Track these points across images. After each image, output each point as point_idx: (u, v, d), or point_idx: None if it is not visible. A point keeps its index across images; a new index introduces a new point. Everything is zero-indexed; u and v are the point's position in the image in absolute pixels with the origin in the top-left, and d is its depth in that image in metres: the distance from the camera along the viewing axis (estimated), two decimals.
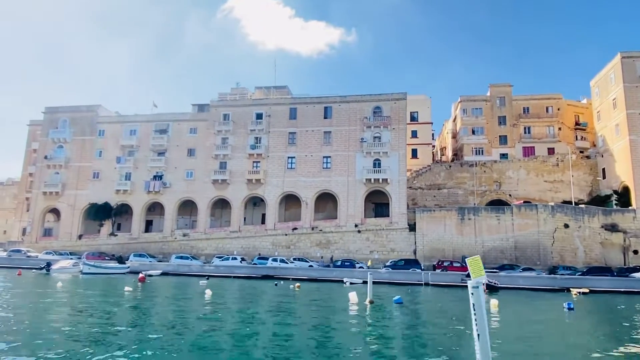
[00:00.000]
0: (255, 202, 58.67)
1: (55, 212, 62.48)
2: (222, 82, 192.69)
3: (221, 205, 58.77)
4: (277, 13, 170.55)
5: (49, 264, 38.64)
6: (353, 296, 21.10)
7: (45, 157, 60.21)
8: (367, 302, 20.72)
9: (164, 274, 40.67)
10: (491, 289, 31.91)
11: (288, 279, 39.99)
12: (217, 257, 51.65)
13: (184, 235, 56.31)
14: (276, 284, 31.57)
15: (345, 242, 52.82)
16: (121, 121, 60.48)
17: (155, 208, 59.99)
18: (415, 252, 51.16)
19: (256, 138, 56.97)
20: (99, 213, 57.35)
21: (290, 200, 57.15)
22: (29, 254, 51.76)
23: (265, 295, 26.41)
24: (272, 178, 55.75)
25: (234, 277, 40.76)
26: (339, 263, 47.92)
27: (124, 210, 59.01)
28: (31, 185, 65.74)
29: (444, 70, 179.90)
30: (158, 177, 58.08)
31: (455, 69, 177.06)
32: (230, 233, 55.58)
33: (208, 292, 23.66)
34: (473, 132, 67.68)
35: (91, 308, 18.16)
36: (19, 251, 52.16)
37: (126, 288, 24.26)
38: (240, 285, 32.95)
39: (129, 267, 41.73)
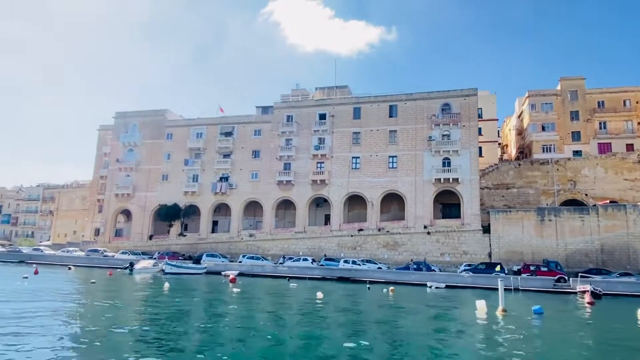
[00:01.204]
0: (318, 202, 58.31)
1: (125, 213, 64.98)
2: (263, 85, 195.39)
3: (284, 206, 58.89)
4: (317, 14, 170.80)
5: (131, 264, 39.87)
6: (481, 305, 19.60)
7: (117, 161, 62.74)
8: (499, 312, 19.03)
9: (240, 274, 40.88)
10: (595, 297, 29.54)
11: (365, 281, 39.09)
12: (283, 257, 51.73)
13: (250, 235, 56.82)
14: (369, 288, 30.76)
15: (414, 243, 51.30)
16: (188, 124, 62.00)
17: (220, 209, 61.00)
18: (490, 255, 48.87)
19: (320, 139, 56.60)
20: (168, 214, 58.97)
21: (354, 201, 56.31)
22: (105, 253, 53.96)
23: (368, 299, 25.26)
24: (336, 178, 55.15)
25: (309, 278, 40.34)
26: (414, 266, 46.57)
27: (192, 211, 60.39)
28: (102, 187, 68.84)
29: (491, 66, 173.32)
30: (224, 178, 59.00)
31: (503, 65, 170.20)
32: (295, 234, 55.49)
33: (319, 294, 23.00)
34: (543, 129, 64.07)
35: (250, 314, 17.60)
36: (96, 251, 54.49)
37: (235, 289, 23.78)
38: (332, 288, 32.37)
39: (205, 268, 42.34)
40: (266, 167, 57.87)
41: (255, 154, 58.84)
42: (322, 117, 57.12)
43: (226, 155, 59.76)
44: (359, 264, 44.25)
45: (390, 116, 54.75)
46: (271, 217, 56.99)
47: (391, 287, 29.47)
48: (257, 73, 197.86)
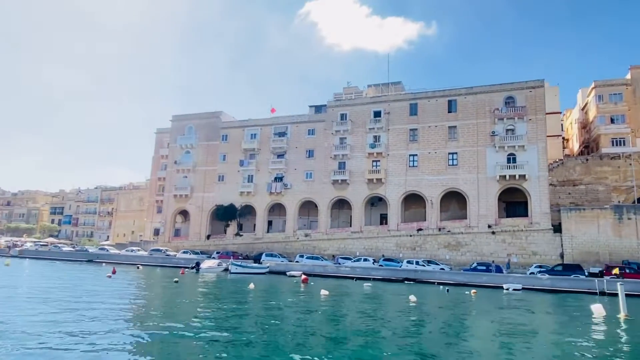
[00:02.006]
0: (373, 202, 57.27)
1: (182, 213, 66.62)
2: (304, 87, 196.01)
3: (338, 205, 58.28)
4: (354, 13, 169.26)
5: (198, 264, 40.54)
6: (598, 309, 18.07)
7: (175, 162, 64.42)
8: (621, 316, 17.39)
9: (306, 274, 40.53)
10: None
11: (432, 282, 37.76)
12: (334, 257, 51.12)
13: (306, 235, 56.62)
14: (447, 290, 29.50)
15: (478, 244, 49.21)
16: (242, 125, 62.70)
17: (274, 209, 61.23)
18: (562, 256, 46.04)
19: (375, 137, 55.52)
20: (225, 214, 59.86)
21: (410, 200, 54.81)
22: (167, 253, 55.42)
23: (463, 302, 23.90)
24: (393, 177, 53.90)
25: (373, 279, 39.43)
26: (473, 266, 44.68)
27: (247, 211, 61.00)
28: (159, 189, 70.98)
29: (543, 58, 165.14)
30: (279, 178, 59.18)
31: (557, 57, 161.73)
32: (351, 233, 54.74)
33: (412, 298, 22.08)
34: (612, 121, 59.86)
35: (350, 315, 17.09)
36: (159, 250, 56.09)
37: (322, 292, 22.97)
38: (406, 290, 31.36)
39: (268, 267, 42.39)
40: (320, 166, 57.48)
41: (309, 153, 58.59)
42: (377, 114, 56.01)
43: (280, 156, 59.91)
44: (423, 265, 42.84)
45: (449, 111, 52.84)
46: (326, 216, 56.54)
47: (473, 290, 28.04)
48: (297, 74, 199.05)
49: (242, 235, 59.94)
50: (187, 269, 39.68)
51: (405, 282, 38.68)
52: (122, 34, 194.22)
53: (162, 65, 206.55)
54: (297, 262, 49.73)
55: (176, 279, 26.13)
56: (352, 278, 39.74)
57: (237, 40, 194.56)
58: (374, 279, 39.59)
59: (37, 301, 16.79)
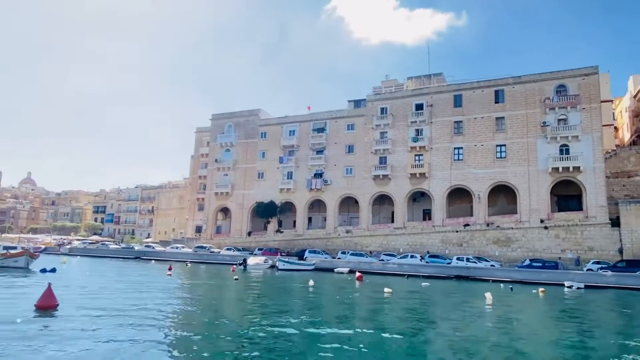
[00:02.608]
0: (415, 197, 56.02)
1: (223, 210, 67.36)
2: (333, 82, 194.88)
3: (379, 201, 57.35)
4: (381, 6, 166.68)
5: (245, 260, 40.70)
6: None
7: (216, 160, 65.15)
8: None
9: (351, 271, 40.04)
10: None
11: (486, 280, 36.40)
12: (384, 254, 50.26)
13: (347, 232, 56.05)
14: (512, 289, 28.28)
15: (529, 239, 47.24)
16: (280, 122, 62.67)
17: (313, 205, 60.94)
18: (621, 252, 43.54)
19: (417, 130, 54.21)
20: (266, 211, 60.08)
21: (454, 195, 53.20)
22: (212, 249, 56.12)
23: (540, 302, 22.65)
24: (437, 171, 52.49)
25: (423, 276, 38.40)
26: (526, 262, 42.93)
27: (287, 208, 60.99)
28: (200, 186, 72.07)
29: (584, 46, 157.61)
30: (318, 174, 58.81)
31: (599, 44, 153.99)
32: (394, 230, 53.75)
33: (488, 296, 21.08)
34: None
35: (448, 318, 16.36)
36: (203, 247, 56.90)
37: (386, 290, 21.99)
38: (462, 287, 30.35)
39: (314, 264, 42.09)
40: (361, 161, 56.69)
41: (349, 148, 57.89)
42: (419, 107, 54.64)
43: (319, 152, 59.51)
44: (475, 262, 41.45)
45: (496, 102, 50.89)
46: (368, 212, 55.76)
47: (541, 289, 26.71)
48: (326, 70, 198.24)
49: (282, 232, 59.99)
50: (237, 266, 39.86)
51: (457, 279, 37.49)
52: (151, 37, 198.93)
53: (191, 66, 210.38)
54: (339, 258, 49.29)
55: (236, 277, 26.09)
56: (399, 275, 38.88)
57: (264, 39, 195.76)
58: (424, 276, 38.58)
59: (128, 301, 16.69)
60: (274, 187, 60.76)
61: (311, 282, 23.46)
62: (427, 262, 44.62)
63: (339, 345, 10.45)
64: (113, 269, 35.98)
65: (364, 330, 12.68)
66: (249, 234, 61.91)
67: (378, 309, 18.06)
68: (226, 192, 64.03)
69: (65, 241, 75.17)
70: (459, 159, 51.74)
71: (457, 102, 52.74)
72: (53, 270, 26.01)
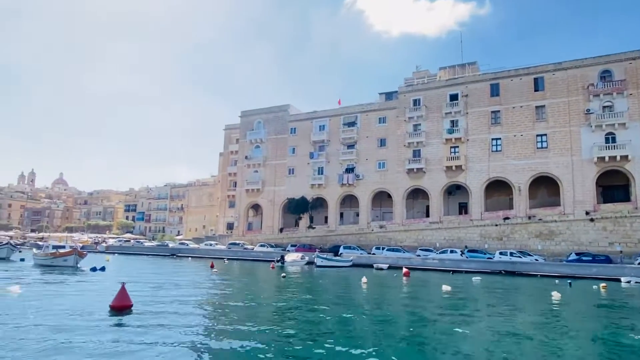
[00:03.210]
0: (450, 190, 54.62)
1: (254, 207, 67.44)
2: (354, 76, 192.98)
3: (412, 195, 56.16)
4: None
5: (282, 257, 40.42)
6: None
7: (246, 157, 65.20)
8: None
9: (392, 267, 39.26)
10: None
11: (534, 275, 35.02)
12: (420, 249, 49.14)
13: (381, 227, 55.16)
14: (570, 284, 26.97)
15: (574, 232, 45.29)
16: (310, 118, 62.11)
17: (344, 201, 60.25)
18: None
19: (452, 121, 52.71)
20: (297, 207, 59.74)
21: (492, 188, 51.52)
22: (245, 246, 56.19)
23: (600, 299, 21.20)
24: (474, 163, 50.95)
25: (466, 271, 37.26)
26: (571, 256, 41.11)
27: (318, 203, 60.51)
28: (230, 184, 72.34)
29: (617, 27, 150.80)
30: (350, 169, 58.05)
31: (620, 26, 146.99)
32: (430, 224, 52.55)
33: (556, 295, 19.85)
34: None
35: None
36: (236, 244, 57.00)
37: (445, 288, 21.08)
38: (511, 283, 29.17)
39: (351, 260, 41.46)
40: (393, 155, 55.62)
41: (381, 142, 56.85)
42: (454, 97, 53.10)
43: (350, 146, 58.69)
44: (519, 256, 39.98)
45: (536, 90, 48.91)
46: (402, 207, 54.70)
47: (602, 284, 25.32)
48: (347, 64, 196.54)
49: (314, 228, 59.56)
50: (275, 263, 39.62)
51: (502, 274, 36.20)
52: (172, 37, 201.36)
53: (213, 65, 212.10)
54: (373, 254, 48.53)
55: (284, 274, 25.70)
56: (440, 271, 37.82)
57: (284, 36, 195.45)
58: (466, 272, 37.44)
59: (193, 298, 16.33)
60: (305, 183, 60.34)
61: (364, 280, 22.72)
62: (466, 257, 43.37)
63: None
64: (155, 266, 36.15)
65: (486, 330, 11.81)
66: (281, 230, 61.76)
67: (458, 304, 17.02)
68: (257, 189, 64.05)
69: (100, 239, 76.83)
70: (497, 150, 50.06)
71: (494, 91, 50.97)
72: (103, 269, 26.19)
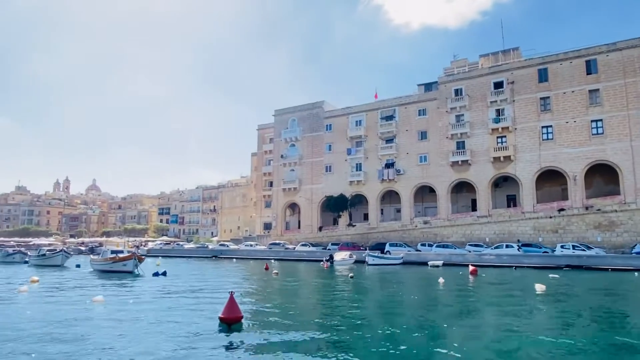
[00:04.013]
0: (497, 182, 52.37)
1: (290, 206, 66.70)
2: (377, 71, 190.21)
3: (456, 189, 54.16)
4: None
5: (331, 257, 39.45)
6: None
7: (282, 156, 64.49)
8: None
9: (447, 264, 37.69)
10: None
11: (606, 269, 32.80)
12: (469, 245, 47.28)
13: (425, 222, 53.42)
14: None
15: (636, 222, 42.50)
16: (346, 113, 60.82)
17: (384, 197, 58.74)
18: None
19: (498, 110, 50.46)
20: (337, 205, 58.62)
21: (542, 178, 49.00)
22: (286, 246, 55.47)
23: None
24: (523, 153, 48.60)
25: (527, 267, 35.32)
26: (637, 249, 38.47)
27: (357, 200, 59.22)
28: (265, 183, 71.85)
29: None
30: (389, 164, 56.50)
31: None
32: (477, 218, 50.52)
33: None
34: None
35: None
36: (277, 244, 56.36)
37: (539, 287, 18.78)
38: (593, 278, 27.15)
39: (402, 257, 40.05)
40: (436, 148, 53.76)
41: (422, 135, 55.06)
42: (498, 85, 50.81)
43: (389, 140, 57.12)
44: (583, 249, 37.68)
45: (589, 73, 46.17)
46: (446, 201, 52.83)
47: None
48: (368, 60, 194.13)
49: (354, 225, 58.32)
50: (324, 262, 38.62)
51: (568, 269, 34.09)
52: (194, 42, 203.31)
53: (234, 68, 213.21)
54: (418, 250, 46.98)
55: (351, 274, 24.55)
56: (498, 267, 36.00)
57: (303, 36, 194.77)
58: (527, 267, 35.49)
59: (291, 305, 15.16)
60: (343, 180, 59.14)
61: (442, 280, 21.25)
62: (522, 252, 41.22)
63: None
64: (207, 269, 35.55)
65: None
66: (320, 229, 60.79)
67: (604, 308, 15.24)
68: (294, 188, 63.26)
69: (140, 243, 77.75)
70: (548, 139, 47.58)
71: (542, 76, 48.44)
72: (164, 273, 25.67)
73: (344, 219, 59.18)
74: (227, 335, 9.77)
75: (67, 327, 10.68)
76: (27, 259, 39.89)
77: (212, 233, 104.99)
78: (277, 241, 57.75)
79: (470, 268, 28.68)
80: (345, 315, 12.98)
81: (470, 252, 42.90)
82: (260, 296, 17.89)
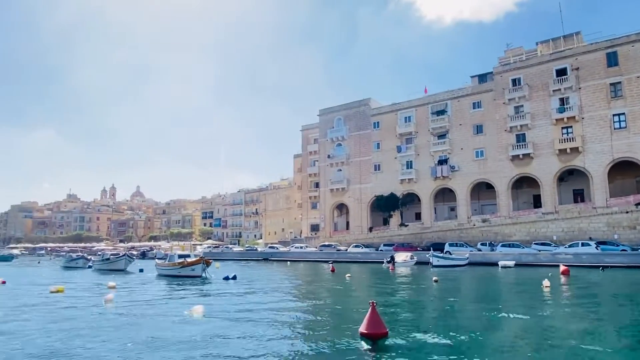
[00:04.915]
0: (562, 176, 48.97)
1: (338, 207, 65.39)
2: (407, 68, 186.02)
3: (515, 185, 51.09)
4: None
5: (392, 258, 37.85)
6: None
7: (328, 156, 63.35)
8: None
9: (519, 265, 35.23)
10: None
11: None
12: (534, 243, 44.27)
13: (484, 221, 50.70)
14: None
15: None
16: (394, 110, 58.93)
17: (437, 195, 56.36)
18: None
19: (562, 99, 47.18)
20: (388, 204, 56.88)
21: (613, 170, 45.24)
22: (338, 248, 54.22)
23: None
24: (593, 144, 45.12)
25: (612, 266, 32.32)
26: None
27: (408, 199, 57.20)
28: (311, 184, 70.93)
29: None
30: (443, 161, 54.14)
31: None
32: (543, 215, 47.35)
33: None
34: None
35: None
36: (329, 246, 55.21)
37: None
38: None
39: (467, 258, 37.82)
40: (493, 141, 50.99)
41: (477, 129, 52.39)
42: (561, 72, 47.53)
43: (441, 136, 54.77)
44: None
45: None
46: (507, 198, 49.95)
47: None
48: (399, 57, 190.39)
49: (407, 225, 56.28)
50: (386, 264, 37.09)
51: None
52: (225, 49, 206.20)
53: (266, 72, 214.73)
54: (479, 250, 44.49)
55: (435, 278, 22.92)
56: (577, 266, 33.15)
57: (332, 36, 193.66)
58: (612, 267, 32.48)
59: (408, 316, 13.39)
60: (393, 179, 57.25)
61: (546, 283, 19.01)
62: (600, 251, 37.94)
63: None
64: (270, 272, 34.63)
65: None
66: (370, 229, 59.12)
67: None
68: (342, 188, 61.95)
69: (189, 246, 78.71)
70: (620, 127, 43.94)
71: (612, 60, 44.82)
72: (234, 277, 24.97)
73: (395, 218, 57.28)
74: (379, 356, 8.04)
75: (207, 348, 8.92)
76: (90, 264, 40.62)
77: (254, 236, 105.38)
78: (329, 243, 56.56)
79: (562, 268, 26.28)
80: (500, 326, 11.01)
81: (539, 251, 40.06)
82: (360, 305, 14.87)
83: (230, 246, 73.48)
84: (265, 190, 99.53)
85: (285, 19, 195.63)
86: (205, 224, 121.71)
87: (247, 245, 75.23)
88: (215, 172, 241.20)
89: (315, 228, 68.44)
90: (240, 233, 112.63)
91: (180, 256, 29.02)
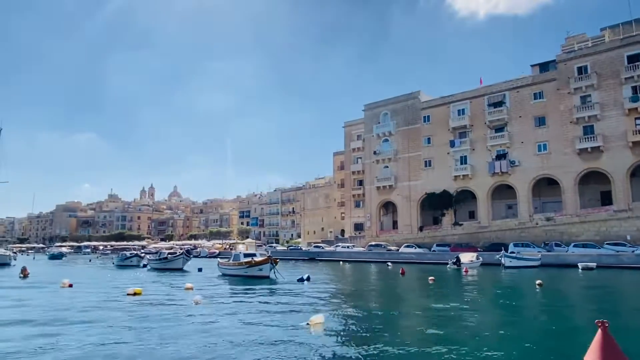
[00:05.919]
0: (635, 172, 45.06)
1: (384, 206, 63.22)
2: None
3: (582, 180, 47.42)
4: None
5: (458, 259, 35.57)
6: None
7: (374, 153, 61.31)
8: None
9: (600, 267, 32.26)
10: None
11: None
12: (606, 244, 40.79)
13: (548, 219, 47.42)
14: None
15: None
16: (446, 102, 56.24)
17: (493, 192, 53.29)
18: None
19: (635, 87, 43.42)
20: (440, 202, 54.29)
21: None
22: (388, 248, 52.19)
23: None
24: None
25: None
26: None
27: (461, 197, 54.39)
28: (354, 182, 69.11)
29: None
30: (501, 155, 51.10)
31: None
32: (614, 213, 43.72)
33: None
34: None
35: None
36: (378, 246, 53.26)
37: None
38: None
39: (540, 259, 35.01)
40: (557, 134, 47.60)
41: (539, 121, 49.10)
42: (633, 59, 43.74)
43: (499, 129, 51.72)
44: None
45: None
46: (574, 194, 46.48)
47: None
48: (432, 54, 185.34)
49: (461, 224, 53.50)
50: (452, 265, 34.85)
51: None
52: (252, 47, 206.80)
53: (297, 72, 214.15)
54: (548, 251, 41.41)
55: (539, 281, 20.45)
56: None
57: (363, 35, 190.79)
58: None
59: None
60: (446, 175, 54.59)
61: None
62: None
63: None
64: (332, 273, 32.77)
65: None
66: (421, 228, 56.65)
67: None
68: (389, 186, 59.75)
69: (230, 246, 78.53)
70: None
71: None
72: (308, 278, 23.40)
73: (448, 217, 54.60)
74: None
75: None
76: (145, 262, 40.30)
77: (291, 235, 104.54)
78: (378, 243, 54.53)
79: None
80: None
81: (618, 252, 36.74)
82: (482, 319, 12.61)
83: (273, 245, 72.55)
84: (303, 189, 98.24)
85: (315, 19, 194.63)
86: (242, 223, 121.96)
87: (290, 245, 74.14)
88: (246, 172, 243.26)
89: (359, 227, 66.58)
90: (277, 232, 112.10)
91: (246, 255, 27.82)
